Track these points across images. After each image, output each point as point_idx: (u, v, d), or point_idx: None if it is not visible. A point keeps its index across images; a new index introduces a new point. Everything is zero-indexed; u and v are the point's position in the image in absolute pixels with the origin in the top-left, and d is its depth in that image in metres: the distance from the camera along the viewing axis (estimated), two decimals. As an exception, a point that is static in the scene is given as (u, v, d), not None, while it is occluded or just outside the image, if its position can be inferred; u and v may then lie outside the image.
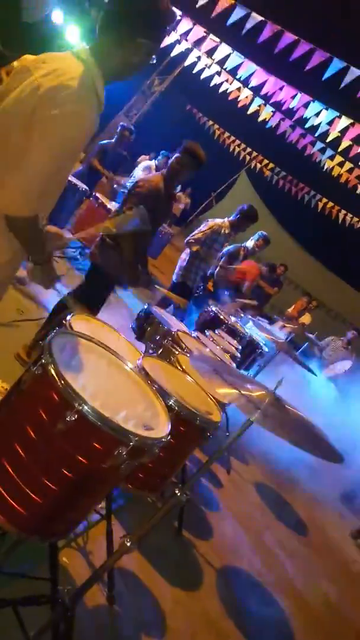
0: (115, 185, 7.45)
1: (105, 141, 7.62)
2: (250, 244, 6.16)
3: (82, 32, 9.41)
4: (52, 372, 1.47)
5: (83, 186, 6.47)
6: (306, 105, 7.54)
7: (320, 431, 1.96)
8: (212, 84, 9.32)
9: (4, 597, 1.74)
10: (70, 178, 6.32)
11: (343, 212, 11.82)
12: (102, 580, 2.30)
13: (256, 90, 8.51)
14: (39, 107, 1.51)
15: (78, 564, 2.34)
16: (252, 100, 9.30)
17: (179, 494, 1.85)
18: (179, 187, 12.74)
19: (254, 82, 7.82)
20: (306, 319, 10.82)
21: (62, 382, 1.45)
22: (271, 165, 13.31)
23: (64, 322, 2.10)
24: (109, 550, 2.28)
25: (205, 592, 2.88)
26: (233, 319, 5.36)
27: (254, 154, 13.39)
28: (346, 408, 6.20)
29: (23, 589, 1.78)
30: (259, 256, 10.40)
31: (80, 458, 1.46)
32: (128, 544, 1.82)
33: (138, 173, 7.64)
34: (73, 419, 1.42)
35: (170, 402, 2.04)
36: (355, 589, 4.35)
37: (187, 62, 9.04)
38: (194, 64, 8.99)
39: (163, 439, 1.61)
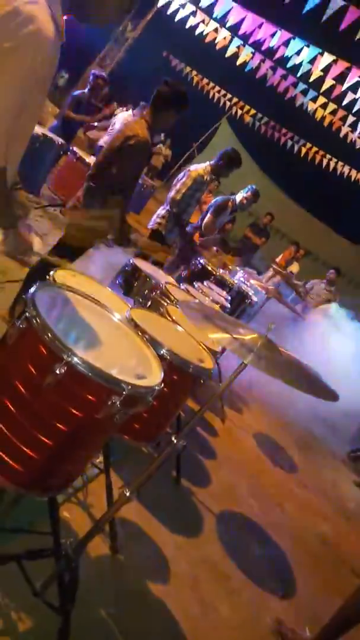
0: (87, 139, 7.19)
1: (78, 91, 7.32)
2: (238, 197, 5.97)
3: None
4: (37, 324, 1.42)
5: (59, 140, 6.23)
6: (286, 44, 7.22)
7: (314, 371, 1.94)
8: (187, 25, 8.89)
9: (8, 552, 1.75)
10: (46, 132, 6.08)
11: (327, 157, 11.61)
12: (104, 531, 2.33)
13: (234, 29, 8.13)
14: None
15: (79, 518, 2.36)
16: (230, 41, 8.91)
17: (175, 442, 1.84)
18: (162, 136, 12.37)
19: (231, 21, 7.46)
20: (294, 267, 10.79)
21: (49, 334, 1.40)
22: (253, 111, 12.92)
23: (47, 276, 2.03)
24: (109, 502, 2.29)
25: (205, 537, 2.95)
26: (221, 270, 5.30)
27: (235, 99, 12.97)
28: (331, 349, 6.27)
29: (26, 544, 1.79)
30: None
31: (73, 410, 1.43)
32: (127, 494, 1.82)
33: (116, 126, 7.36)
34: (62, 371, 1.38)
35: (162, 352, 2.01)
36: (350, 527, 4.49)
37: (161, 3, 8.61)
38: (167, 5, 8.56)
39: (156, 387, 1.58)
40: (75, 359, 1.38)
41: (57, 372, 1.38)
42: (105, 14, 1.60)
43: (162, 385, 1.63)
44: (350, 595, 2.56)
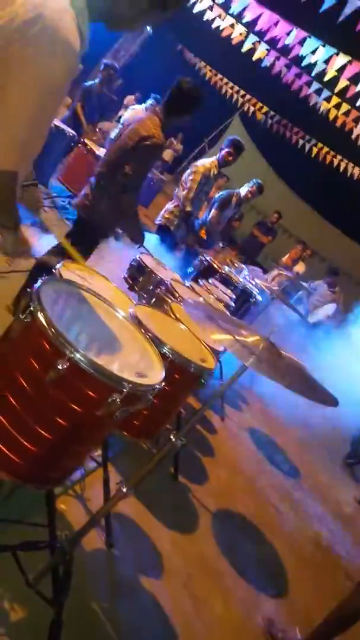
0: (99, 131, 7.16)
1: (89, 82, 7.27)
2: (243, 190, 5.97)
3: None
4: (42, 319, 1.42)
5: (70, 131, 6.22)
6: (302, 42, 7.17)
7: (314, 376, 1.95)
8: (204, 19, 8.84)
9: (3, 543, 1.76)
10: (57, 123, 6.06)
11: (338, 157, 11.54)
12: (100, 525, 2.35)
13: (250, 26, 8.08)
14: (13, 42, 1.38)
15: (75, 511, 2.38)
16: (246, 37, 8.85)
17: (174, 440, 1.85)
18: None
19: (247, 17, 7.41)
20: (300, 267, 10.76)
21: (52, 330, 1.41)
22: (265, 108, 12.85)
23: (53, 270, 2.04)
24: (105, 496, 2.31)
25: (201, 535, 2.96)
26: (227, 268, 5.30)
27: (248, 96, 12.90)
28: (331, 353, 6.26)
29: (22, 536, 1.80)
30: (252, 204, 10.24)
31: (73, 406, 1.44)
32: (124, 490, 1.83)
33: (127, 119, 7.32)
34: (65, 367, 1.38)
35: (164, 350, 2.02)
36: (346, 531, 4.49)
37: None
38: (184, -1, 8.49)
39: (157, 386, 1.58)
40: (78, 355, 1.39)
41: (60, 367, 1.39)
42: (137, 21, 1.59)
43: (163, 383, 1.64)
44: (345, 597, 2.57)
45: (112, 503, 1.90)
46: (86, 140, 6.56)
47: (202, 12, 8.69)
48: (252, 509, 3.62)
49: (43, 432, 1.46)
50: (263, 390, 5.51)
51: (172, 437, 1.88)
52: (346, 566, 3.84)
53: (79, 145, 6.47)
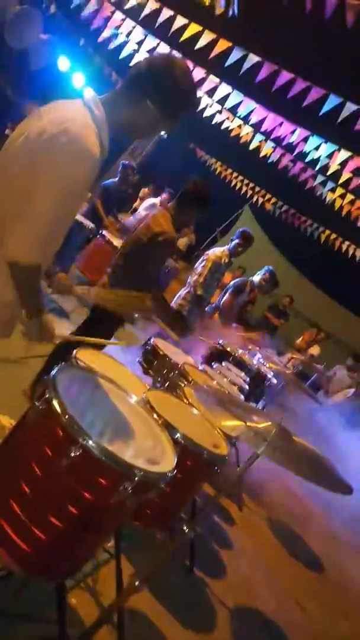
0: (119, 225, 7.57)
1: (108, 181, 7.76)
2: (256, 278, 6.22)
3: (87, 77, 9.75)
4: (56, 407, 1.47)
5: (90, 224, 6.57)
6: (306, 140, 7.68)
7: (329, 462, 1.93)
8: (213, 122, 9.54)
9: (11, 641, 1.70)
10: (77, 217, 6.44)
11: (346, 243, 11.89)
12: (112, 622, 2.24)
13: (256, 126, 8.70)
14: (41, 152, 1.56)
15: (87, 605, 2.28)
16: (252, 137, 9.50)
17: (186, 530, 1.82)
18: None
19: (254, 119, 8.00)
20: (314, 350, 10.78)
21: (66, 417, 1.45)
22: (274, 199, 13.47)
23: (69, 356, 2.11)
24: (118, 590, 2.22)
25: (218, 634, 2.79)
26: (240, 351, 5.35)
27: (257, 188, 13.57)
28: (351, 437, 6.12)
29: (31, 632, 1.74)
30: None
31: (85, 493, 1.45)
32: (136, 584, 1.78)
33: (141, 213, 7.74)
34: (77, 453, 1.42)
35: (177, 436, 2.03)
36: (376, 629, 4.18)
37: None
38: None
39: (168, 474, 1.59)
40: (90, 442, 1.42)
41: (72, 454, 1.42)
42: (152, 131, 1.80)
43: (175, 471, 1.64)
44: None
45: (124, 597, 1.84)
46: (105, 232, 6.92)
47: (212, 116, 9.40)
48: (273, 606, 3.41)
49: (55, 521, 1.46)
50: (282, 476, 5.35)
51: (184, 527, 1.86)
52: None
53: (98, 236, 6.82)
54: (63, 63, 9.48)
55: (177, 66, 1.69)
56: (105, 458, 1.42)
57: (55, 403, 1.48)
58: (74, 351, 2.14)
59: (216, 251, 5.07)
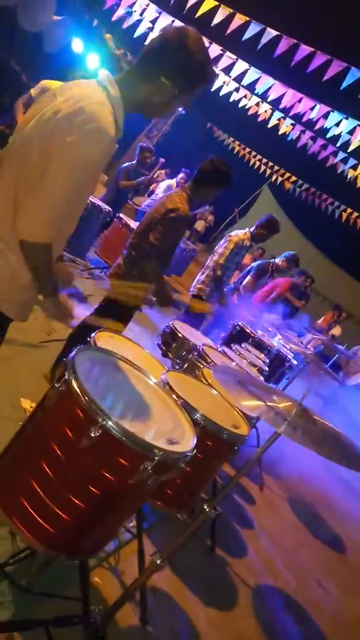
0: (137, 206, 7.57)
1: (127, 164, 7.75)
2: (278, 260, 6.23)
3: (101, 59, 9.65)
4: (76, 388, 1.47)
5: (106, 208, 6.56)
6: (326, 116, 7.51)
7: (350, 440, 1.91)
8: (230, 100, 9.38)
9: (36, 617, 1.74)
10: (95, 200, 6.43)
11: (368, 221, 11.70)
12: (134, 599, 2.28)
13: (275, 103, 8.53)
14: (57, 131, 1.54)
15: (110, 584, 2.32)
16: (271, 114, 9.33)
17: (207, 510, 1.82)
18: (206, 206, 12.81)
19: (272, 96, 7.85)
20: (336, 330, 10.68)
21: (86, 398, 1.45)
22: (293, 178, 13.27)
23: (88, 339, 2.12)
24: (140, 569, 2.25)
25: (239, 612, 2.82)
26: (260, 332, 5.31)
27: (276, 167, 13.37)
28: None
29: (55, 609, 1.77)
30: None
31: (105, 474, 1.46)
32: (158, 562, 1.80)
33: (159, 194, 7.75)
34: (97, 434, 1.42)
35: (196, 417, 2.03)
36: None
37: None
38: (211, 82, 9.07)
39: (188, 453, 1.59)
40: (110, 423, 1.42)
41: (92, 435, 1.42)
42: (169, 107, 1.76)
43: (195, 451, 1.64)
44: None
45: (146, 575, 1.86)
46: (122, 215, 6.90)
47: (229, 94, 9.23)
48: (294, 585, 3.43)
49: (76, 501, 1.47)
50: (303, 457, 5.34)
51: (205, 506, 1.86)
52: None
53: (115, 219, 6.82)
54: (77, 45, 9.38)
55: (190, 38, 1.64)
56: (125, 438, 1.42)
57: (74, 384, 1.48)
58: (93, 334, 2.14)
59: (239, 233, 5.02)
